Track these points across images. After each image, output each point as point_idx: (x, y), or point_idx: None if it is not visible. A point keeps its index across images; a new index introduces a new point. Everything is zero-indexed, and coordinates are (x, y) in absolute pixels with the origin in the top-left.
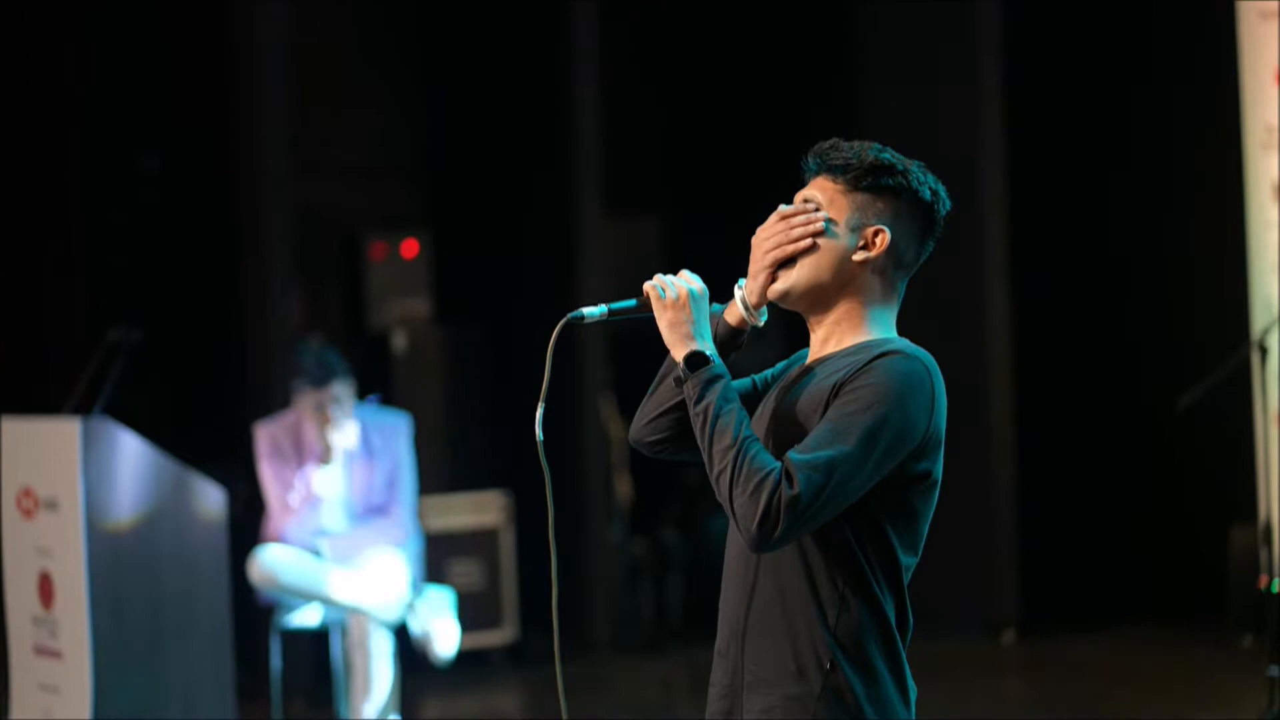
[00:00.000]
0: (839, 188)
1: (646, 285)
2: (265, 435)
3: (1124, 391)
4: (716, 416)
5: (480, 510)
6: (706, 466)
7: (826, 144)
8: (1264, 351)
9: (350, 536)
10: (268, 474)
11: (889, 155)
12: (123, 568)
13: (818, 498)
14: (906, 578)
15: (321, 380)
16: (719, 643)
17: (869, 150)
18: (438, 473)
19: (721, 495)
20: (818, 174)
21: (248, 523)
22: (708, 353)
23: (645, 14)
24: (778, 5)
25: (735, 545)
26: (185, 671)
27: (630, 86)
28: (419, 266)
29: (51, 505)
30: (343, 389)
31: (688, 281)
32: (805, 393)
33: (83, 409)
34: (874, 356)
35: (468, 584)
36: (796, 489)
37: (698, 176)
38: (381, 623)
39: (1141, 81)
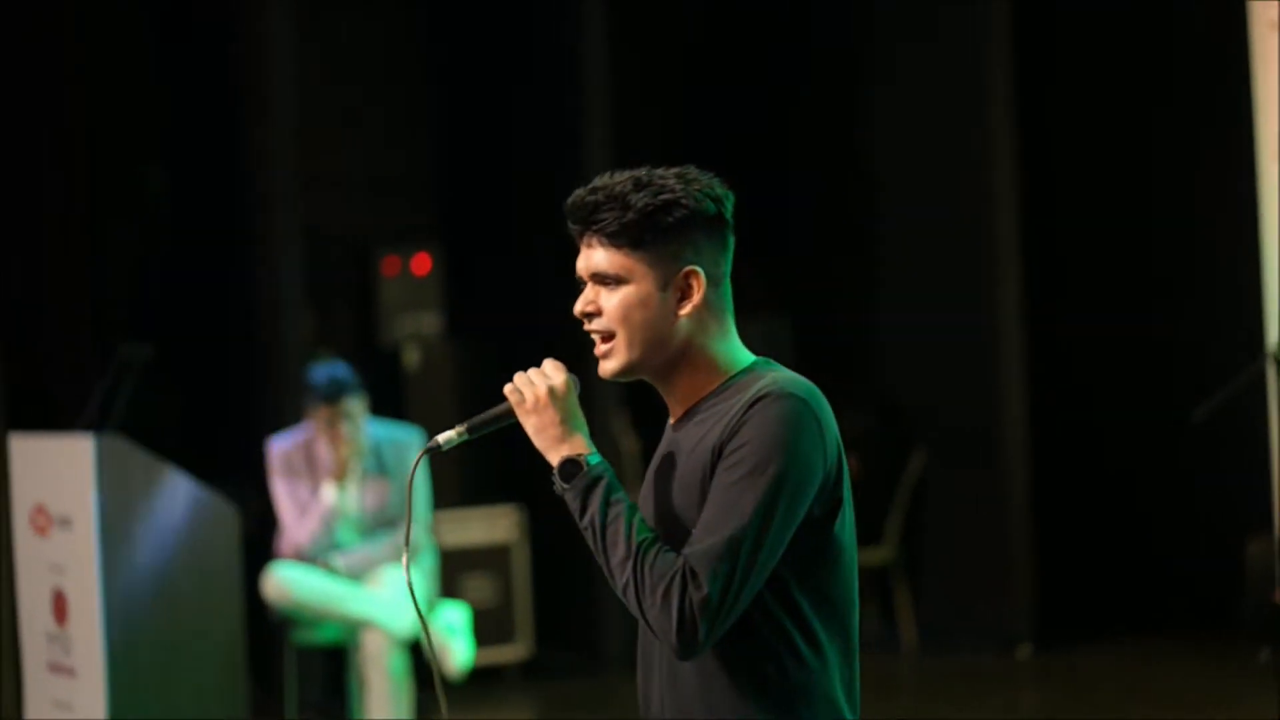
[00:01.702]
0: (625, 252)
1: (507, 388)
2: (278, 451)
3: (1140, 403)
4: (604, 526)
5: (493, 525)
6: (610, 582)
7: (579, 202)
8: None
9: (363, 552)
10: (280, 490)
11: (653, 189)
12: (136, 584)
13: (729, 589)
14: (849, 610)
15: (333, 396)
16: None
17: (631, 195)
18: (451, 488)
19: (633, 610)
20: (590, 236)
21: (261, 539)
22: (582, 454)
23: (656, 24)
24: (789, 12)
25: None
26: (199, 688)
27: (641, 97)
28: (431, 281)
29: (65, 522)
30: (354, 405)
31: (549, 376)
32: (682, 462)
33: (94, 426)
34: (747, 405)
35: (481, 599)
36: (705, 588)
37: None
38: (395, 638)
39: (1161, 84)
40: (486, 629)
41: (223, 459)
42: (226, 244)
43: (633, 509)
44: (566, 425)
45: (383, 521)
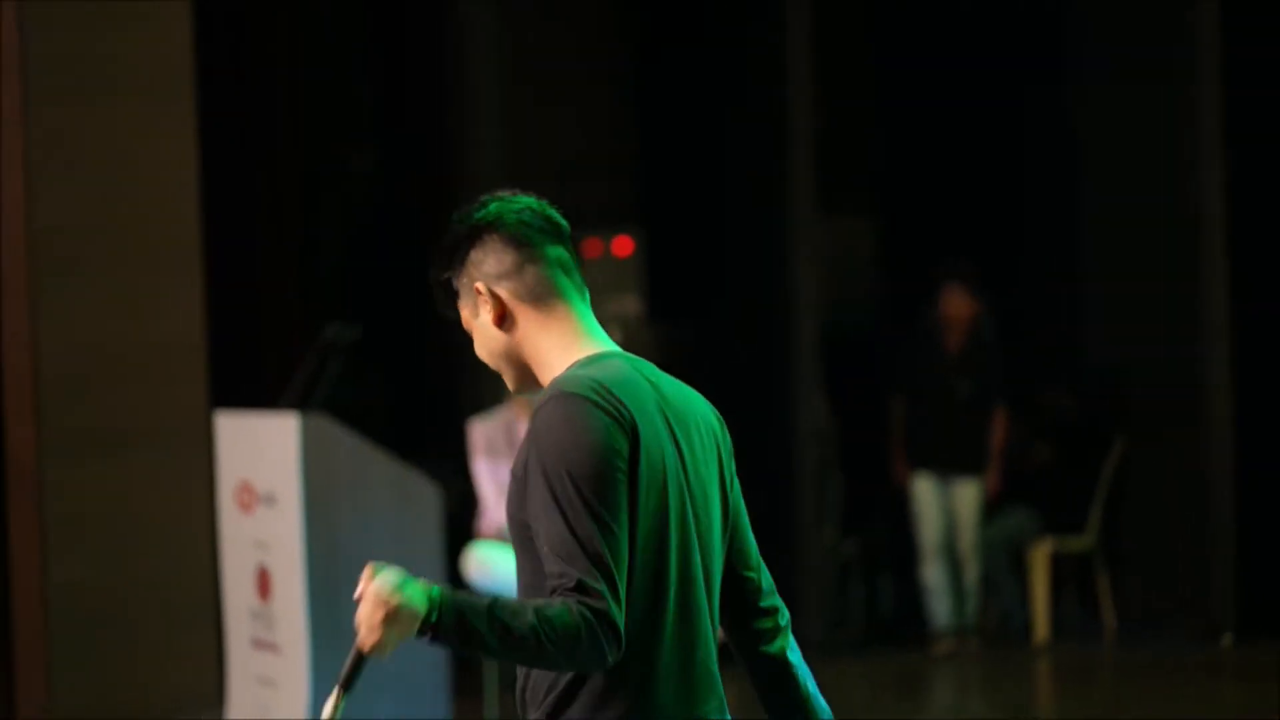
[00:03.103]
0: (457, 306)
1: (359, 639)
2: (479, 432)
3: None
4: (487, 634)
5: None
6: (532, 665)
7: None
8: None
9: None
10: (482, 470)
11: (435, 256)
12: (339, 562)
13: (611, 584)
14: (650, 600)
15: None
16: None
17: (431, 269)
18: None
19: (568, 668)
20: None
21: (462, 519)
22: (418, 618)
23: (861, 12)
24: (991, 6)
25: None
26: (400, 667)
27: (844, 86)
28: (631, 263)
29: (269, 500)
30: None
31: (371, 611)
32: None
33: (300, 405)
34: (532, 418)
35: None
36: (596, 602)
37: (909, 178)
38: None
39: None
40: None
41: (425, 438)
42: (430, 226)
43: (493, 605)
44: (401, 618)
45: None
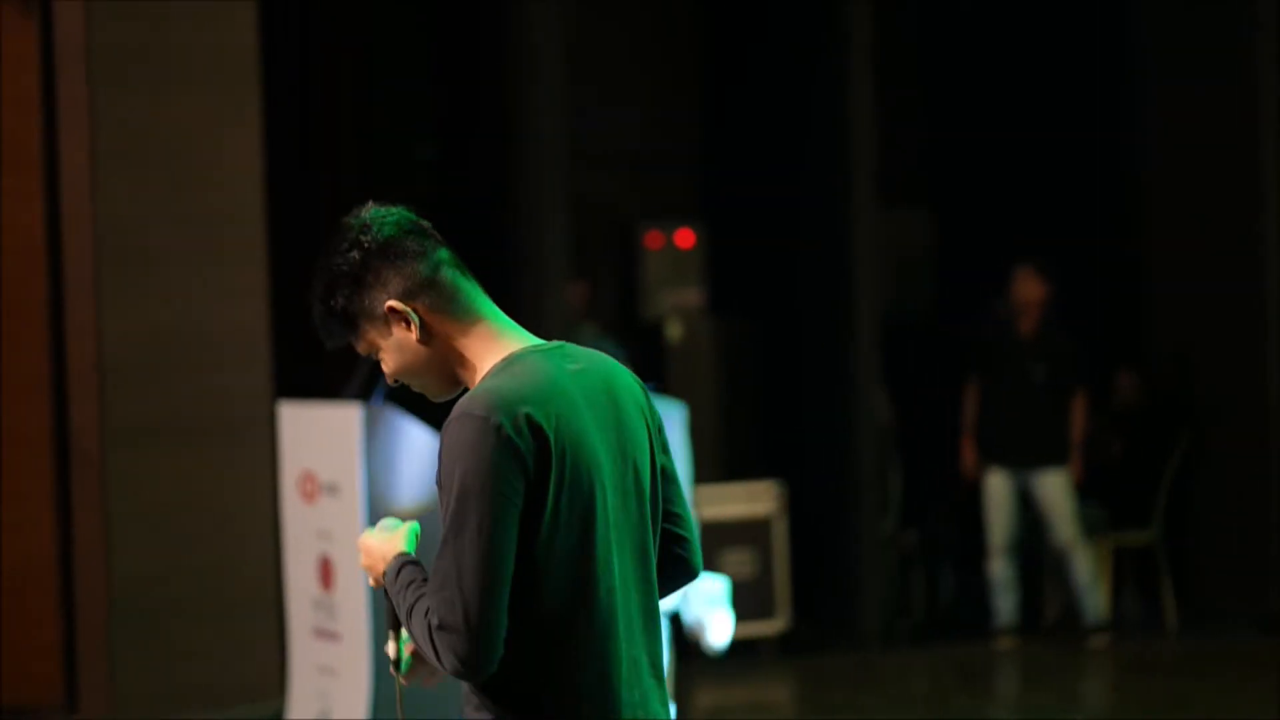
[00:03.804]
0: (353, 338)
1: (370, 581)
2: None
3: None
4: (389, 582)
5: (753, 500)
6: (410, 633)
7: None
8: None
9: None
10: None
11: (318, 297)
12: None
13: (454, 613)
14: (566, 612)
15: None
16: None
17: (315, 311)
18: (711, 462)
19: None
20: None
21: None
22: (385, 568)
23: (919, 7)
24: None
25: None
26: None
27: (904, 79)
28: (693, 256)
29: (332, 489)
30: None
31: (369, 551)
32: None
33: (362, 395)
34: (442, 434)
35: (740, 573)
36: (438, 618)
37: (968, 171)
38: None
39: None
40: (745, 603)
41: None
42: (492, 219)
43: (403, 565)
44: (388, 557)
45: None
